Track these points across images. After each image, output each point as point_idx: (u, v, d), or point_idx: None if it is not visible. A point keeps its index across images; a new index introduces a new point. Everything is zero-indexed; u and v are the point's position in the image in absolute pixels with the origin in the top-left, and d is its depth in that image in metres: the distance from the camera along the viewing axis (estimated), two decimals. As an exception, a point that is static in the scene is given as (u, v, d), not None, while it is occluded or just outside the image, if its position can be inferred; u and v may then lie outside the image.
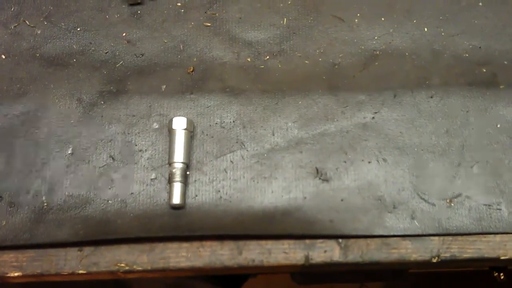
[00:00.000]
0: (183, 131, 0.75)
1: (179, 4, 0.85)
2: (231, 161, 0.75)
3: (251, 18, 0.85)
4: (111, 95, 0.79)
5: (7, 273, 0.70)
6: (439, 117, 0.78)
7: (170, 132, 0.75)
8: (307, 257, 0.71)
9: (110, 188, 0.73)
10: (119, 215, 0.72)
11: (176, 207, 0.72)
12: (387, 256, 0.72)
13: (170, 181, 0.73)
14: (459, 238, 0.73)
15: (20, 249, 0.70)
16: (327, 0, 0.86)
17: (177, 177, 0.73)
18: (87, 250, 0.71)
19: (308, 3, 0.85)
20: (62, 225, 0.71)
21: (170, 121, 0.75)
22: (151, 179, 0.74)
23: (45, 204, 0.72)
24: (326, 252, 0.71)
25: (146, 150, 0.76)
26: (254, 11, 0.85)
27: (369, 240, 0.72)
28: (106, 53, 0.82)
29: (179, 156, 0.74)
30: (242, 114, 0.78)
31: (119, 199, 0.73)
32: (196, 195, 0.73)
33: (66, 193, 0.73)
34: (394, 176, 0.75)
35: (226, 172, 0.75)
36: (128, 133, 0.77)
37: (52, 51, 0.81)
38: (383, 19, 0.85)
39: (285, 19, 0.85)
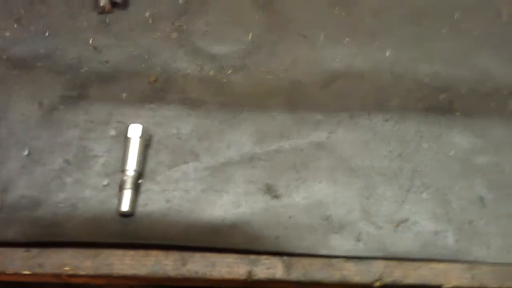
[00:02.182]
0: (138, 139, 0.76)
1: (147, 14, 0.87)
2: (184, 172, 0.76)
3: (217, 31, 0.86)
4: (72, 100, 0.80)
5: (-49, 270, 0.71)
6: (393, 140, 0.79)
7: (126, 140, 0.76)
8: (250, 273, 0.72)
9: (62, 192, 0.75)
10: (68, 218, 0.73)
11: (125, 215, 0.73)
12: (329, 276, 0.72)
13: (121, 188, 0.74)
14: (403, 263, 0.73)
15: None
16: (293, 18, 0.87)
17: (128, 184, 0.74)
18: (34, 251, 0.72)
19: (274, 20, 0.86)
20: (11, 225, 0.72)
21: (127, 129, 0.76)
22: (104, 185, 0.75)
23: (-3, 203, 0.74)
24: (269, 269, 0.72)
25: (101, 156, 0.77)
26: (221, 25, 0.86)
27: (313, 260, 0.73)
28: (71, 58, 0.83)
29: (132, 164, 0.75)
30: (199, 127, 0.79)
31: (70, 202, 0.74)
32: (147, 204, 0.74)
33: (19, 193, 0.74)
34: (343, 197, 0.76)
35: (178, 182, 0.76)
36: (85, 139, 0.78)
37: (19, 54, 0.83)
38: (347, 39, 0.86)
39: (250, 34, 0.86)
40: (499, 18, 0.87)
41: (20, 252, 0.72)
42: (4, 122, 0.78)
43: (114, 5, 0.86)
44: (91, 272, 0.71)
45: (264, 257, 0.73)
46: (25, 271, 0.71)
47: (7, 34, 0.84)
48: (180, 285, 0.75)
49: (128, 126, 0.77)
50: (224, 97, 0.81)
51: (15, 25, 0.85)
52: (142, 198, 0.75)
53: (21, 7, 0.86)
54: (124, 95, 0.81)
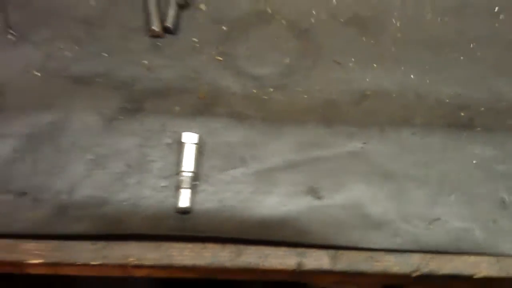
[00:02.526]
0: (193, 145, 0.83)
1: (194, 39, 0.96)
2: (233, 176, 0.84)
3: (258, 56, 0.95)
4: (130, 112, 0.87)
5: (28, 260, 0.76)
6: (420, 151, 0.88)
7: (181, 145, 0.83)
8: (299, 264, 0.79)
9: (124, 192, 0.81)
10: (131, 215, 0.79)
11: (183, 211, 0.80)
12: (371, 267, 0.79)
13: (179, 187, 0.81)
14: (438, 256, 0.81)
15: (42, 239, 0.77)
16: (326, 45, 0.97)
17: (186, 184, 0.81)
18: (100, 244, 0.78)
19: (309, 47, 0.96)
20: (80, 221, 0.78)
21: (181, 136, 0.84)
22: (162, 186, 0.82)
23: (66, 201, 0.80)
24: (316, 261, 0.79)
25: (158, 161, 0.84)
26: (260, 50, 0.96)
27: (356, 252, 0.80)
28: (127, 76, 0.91)
29: (188, 166, 0.82)
30: (246, 137, 0.87)
31: (132, 201, 0.80)
32: (202, 203, 0.81)
33: (86, 194, 0.80)
34: (379, 198, 0.83)
35: (229, 185, 0.83)
36: (144, 146, 0.85)
37: (79, 72, 0.91)
38: (375, 64, 0.96)
39: (288, 58, 0.95)
40: (511, 48, 0.98)
41: (87, 245, 0.78)
42: (69, 132, 0.85)
43: (165, 30, 0.95)
44: (154, 262, 0.77)
45: (312, 249, 0.79)
46: (93, 262, 0.76)
47: (68, 54, 0.92)
48: (232, 280, 0.81)
49: (182, 134, 0.84)
50: (266, 112, 0.90)
51: (76, 47, 0.93)
52: (197, 197, 0.81)
53: (81, 30, 0.94)
54: (176, 108, 0.88)
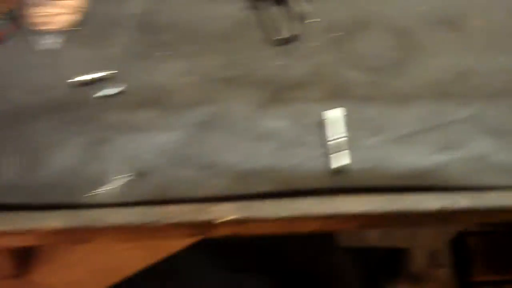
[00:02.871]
0: (339, 117, 0.99)
1: (315, 43, 1.13)
2: (377, 141, 0.98)
3: (370, 52, 1.12)
4: (275, 101, 1.03)
5: (218, 220, 0.89)
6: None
7: (329, 120, 0.99)
8: (447, 206, 0.92)
9: (287, 160, 0.95)
10: (297, 178, 0.93)
11: (338, 171, 0.94)
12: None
13: (332, 151, 0.95)
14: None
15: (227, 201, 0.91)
16: (424, 42, 1.14)
17: (338, 148, 0.95)
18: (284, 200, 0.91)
19: (410, 43, 1.13)
20: (260, 184, 0.92)
21: (327, 113, 0.99)
22: (317, 154, 0.96)
23: (244, 170, 0.93)
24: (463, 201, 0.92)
25: (310, 136, 0.98)
26: (371, 48, 1.13)
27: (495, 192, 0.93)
28: (267, 74, 1.07)
29: (338, 133, 0.97)
30: (379, 113, 1.02)
31: (294, 167, 0.94)
32: (354, 163, 0.95)
33: (257, 164, 0.94)
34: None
35: (375, 149, 0.97)
36: (294, 125, 1.00)
37: (227, 74, 1.07)
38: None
39: (395, 53, 1.12)
40: None
41: (272, 203, 0.91)
42: (229, 118, 1.00)
43: (290, 38, 1.13)
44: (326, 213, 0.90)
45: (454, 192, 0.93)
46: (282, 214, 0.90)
47: (215, 62, 1.09)
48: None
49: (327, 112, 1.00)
50: (388, 93, 1.05)
51: (222, 56, 1.10)
52: (350, 158, 0.96)
53: (221, 43, 1.12)
54: (314, 95, 1.04)
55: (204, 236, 0.94)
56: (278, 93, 1.05)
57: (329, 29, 1.15)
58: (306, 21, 1.16)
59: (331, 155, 0.94)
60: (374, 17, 1.17)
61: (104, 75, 1.04)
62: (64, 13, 1.08)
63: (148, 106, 1.02)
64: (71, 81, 1.03)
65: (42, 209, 0.90)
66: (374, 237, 1.77)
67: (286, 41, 1.12)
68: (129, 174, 0.93)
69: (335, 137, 0.97)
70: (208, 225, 0.91)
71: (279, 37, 1.12)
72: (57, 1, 1.08)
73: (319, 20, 1.17)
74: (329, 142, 0.97)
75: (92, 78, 1.03)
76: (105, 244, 1.11)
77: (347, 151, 0.95)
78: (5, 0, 1.06)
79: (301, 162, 0.95)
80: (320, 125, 1.00)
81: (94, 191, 0.91)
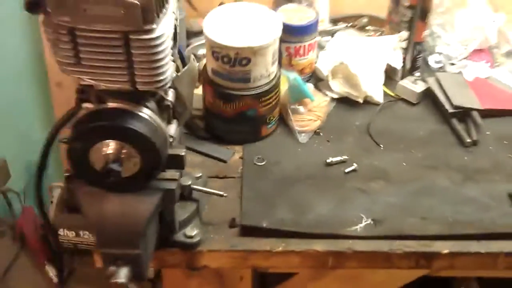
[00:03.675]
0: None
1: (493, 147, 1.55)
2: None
3: None
4: (469, 181, 1.44)
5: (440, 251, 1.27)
6: None
7: None
8: None
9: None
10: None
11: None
12: None
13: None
14: None
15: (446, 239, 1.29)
16: None
17: None
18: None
19: None
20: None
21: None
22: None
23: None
24: None
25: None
26: None
27: None
28: (456, 164, 1.50)
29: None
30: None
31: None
32: None
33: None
34: None
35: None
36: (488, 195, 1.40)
37: (430, 163, 1.50)
38: None
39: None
40: None
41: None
42: (435, 191, 1.42)
43: (473, 142, 1.55)
44: None
45: None
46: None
47: (417, 154, 1.53)
48: None
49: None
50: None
51: (418, 154, 1.54)
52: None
53: (418, 144, 1.56)
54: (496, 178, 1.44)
55: (427, 268, 1.31)
56: (470, 175, 1.46)
57: (500, 138, 1.57)
58: (482, 132, 1.59)
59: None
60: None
61: (341, 159, 1.50)
62: (313, 120, 1.58)
63: (376, 179, 1.45)
64: (323, 162, 1.49)
65: (309, 237, 1.32)
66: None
67: (470, 145, 1.55)
68: (368, 220, 1.34)
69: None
70: (430, 255, 1.29)
71: (465, 141, 1.55)
72: (309, 112, 1.58)
73: (488, 133, 1.59)
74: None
75: (334, 161, 1.49)
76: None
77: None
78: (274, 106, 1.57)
79: (495, 216, 1.33)
80: (505, 195, 1.39)
81: (345, 229, 1.32)
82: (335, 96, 1.68)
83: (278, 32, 1.44)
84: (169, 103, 1.02)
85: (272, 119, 1.55)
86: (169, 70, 0.94)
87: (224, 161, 1.50)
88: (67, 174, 1.08)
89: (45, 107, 2.44)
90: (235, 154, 1.52)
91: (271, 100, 1.51)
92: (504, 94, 1.70)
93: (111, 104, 0.96)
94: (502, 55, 1.84)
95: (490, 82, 1.75)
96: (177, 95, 1.04)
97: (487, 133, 1.59)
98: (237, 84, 1.45)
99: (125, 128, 0.94)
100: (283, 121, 1.61)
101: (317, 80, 1.73)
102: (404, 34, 1.71)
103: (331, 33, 1.87)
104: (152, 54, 0.90)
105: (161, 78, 0.94)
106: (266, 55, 1.43)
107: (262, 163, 1.49)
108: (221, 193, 1.31)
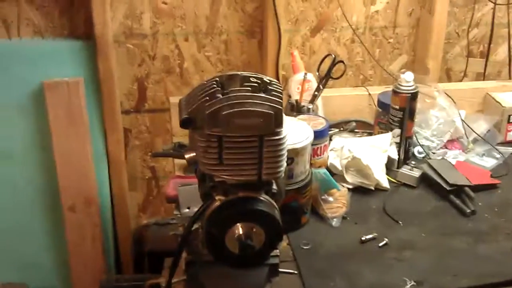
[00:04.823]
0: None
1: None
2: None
3: None
4: (482, 243, 1.76)
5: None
6: None
7: None
8: None
9: None
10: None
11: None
12: None
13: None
14: None
15: None
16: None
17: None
18: None
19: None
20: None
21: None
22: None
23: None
24: None
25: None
26: None
27: None
28: (460, 232, 1.82)
29: None
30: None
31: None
32: None
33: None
34: None
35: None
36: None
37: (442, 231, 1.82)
38: None
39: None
40: None
41: None
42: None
43: (471, 212, 1.89)
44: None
45: None
46: None
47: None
48: None
49: None
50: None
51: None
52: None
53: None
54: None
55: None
56: (478, 238, 1.78)
57: (491, 206, 1.93)
58: (476, 204, 1.93)
59: None
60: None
61: (372, 236, 1.78)
62: (340, 207, 1.88)
63: (405, 249, 1.74)
64: (358, 240, 1.77)
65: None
66: None
67: (470, 214, 1.89)
68: (411, 281, 1.62)
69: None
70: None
71: (466, 212, 1.89)
72: (336, 201, 1.88)
73: (480, 204, 1.94)
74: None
75: (368, 238, 1.77)
76: None
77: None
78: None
79: (510, 266, 1.64)
80: (510, 251, 1.71)
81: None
82: (350, 187, 1.99)
83: (311, 137, 1.76)
84: (275, 190, 1.28)
85: (308, 209, 1.83)
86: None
87: (276, 248, 1.74)
88: (187, 261, 1.29)
89: (56, 233, 2.54)
90: (282, 241, 1.77)
91: (307, 192, 1.79)
92: (482, 172, 2.08)
93: (241, 194, 1.21)
94: (471, 142, 2.24)
95: (469, 163, 2.13)
96: (277, 183, 1.31)
97: (480, 204, 1.94)
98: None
99: (256, 211, 1.19)
100: (313, 210, 1.88)
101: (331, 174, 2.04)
102: (397, 131, 2.07)
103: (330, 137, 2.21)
104: (279, 150, 1.18)
105: (281, 169, 1.21)
106: (305, 155, 1.73)
107: (308, 247, 1.74)
108: (292, 271, 1.54)
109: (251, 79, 1.19)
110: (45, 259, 2.51)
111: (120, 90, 2.42)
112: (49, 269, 2.53)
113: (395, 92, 2.05)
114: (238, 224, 1.20)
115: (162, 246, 2.48)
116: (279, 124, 1.16)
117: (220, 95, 1.16)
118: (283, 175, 1.22)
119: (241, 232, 1.20)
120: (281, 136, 1.17)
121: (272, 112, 1.14)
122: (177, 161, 2.13)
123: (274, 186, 1.29)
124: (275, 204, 1.24)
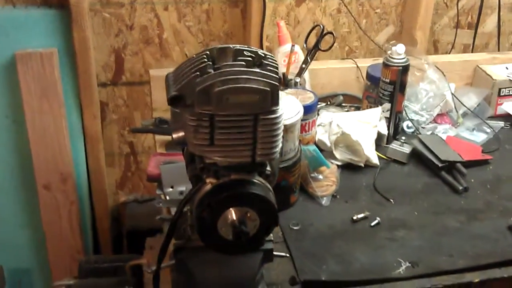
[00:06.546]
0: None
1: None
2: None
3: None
4: (474, 220, 1.71)
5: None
6: None
7: None
8: None
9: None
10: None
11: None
12: None
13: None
14: None
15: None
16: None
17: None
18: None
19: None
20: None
21: None
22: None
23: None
24: None
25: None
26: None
27: None
28: (454, 208, 1.77)
29: None
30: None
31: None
32: None
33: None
34: None
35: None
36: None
37: (433, 210, 1.76)
38: None
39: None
40: None
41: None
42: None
43: (463, 189, 1.84)
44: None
45: None
46: (504, 272, 1.52)
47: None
48: None
49: None
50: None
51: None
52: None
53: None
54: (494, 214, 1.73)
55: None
56: (472, 216, 1.73)
57: (483, 183, 1.88)
58: (468, 180, 1.88)
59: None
60: None
61: (364, 215, 1.72)
62: (330, 185, 1.81)
63: (398, 228, 1.69)
64: (349, 219, 1.70)
65: (362, 284, 1.51)
66: None
67: (463, 191, 1.83)
68: (406, 263, 1.56)
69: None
70: (465, 286, 1.52)
71: (458, 189, 1.83)
72: (325, 178, 1.81)
73: (473, 180, 1.89)
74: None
75: (359, 217, 1.71)
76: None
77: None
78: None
79: (504, 246, 1.59)
80: (505, 229, 1.66)
81: (391, 273, 1.53)
82: (339, 163, 1.91)
83: (301, 112, 1.67)
84: (269, 172, 1.20)
85: (297, 188, 1.75)
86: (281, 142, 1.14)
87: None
88: (176, 248, 1.21)
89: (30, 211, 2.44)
90: (273, 223, 1.69)
91: (297, 171, 1.71)
92: (473, 147, 2.02)
93: (233, 176, 1.12)
94: (460, 116, 2.18)
95: (459, 138, 2.07)
96: (271, 165, 1.22)
97: (472, 180, 1.89)
98: (272, 158, 1.65)
99: (250, 194, 1.11)
100: (302, 188, 1.81)
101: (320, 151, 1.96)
102: (387, 105, 2.00)
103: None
104: (274, 130, 1.09)
105: (276, 150, 1.12)
106: (295, 132, 1.65)
107: (298, 227, 1.67)
108: (283, 254, 1.47)
109: (244, 52, 1.10)
110: (21, 240, 2.41)
111: (96, 61, 2.30)
112: (25, 250, 2.43)
113: (385, 65, 1.97)
114: (231, 208, 1.12)
115: (142, 224, 2.40)
116: (276, 102, 1.07)
117: (211, 70, 1.06)
118: (278, 156, 1.13)
119: (234, 217, 1.12)
120: (278, 115, 1.08)
121: (268, 88, 1.05)
122: (158, 137, 2.03)
123: (268, 168, 1.20)
124: (269, 186, 1.15)
